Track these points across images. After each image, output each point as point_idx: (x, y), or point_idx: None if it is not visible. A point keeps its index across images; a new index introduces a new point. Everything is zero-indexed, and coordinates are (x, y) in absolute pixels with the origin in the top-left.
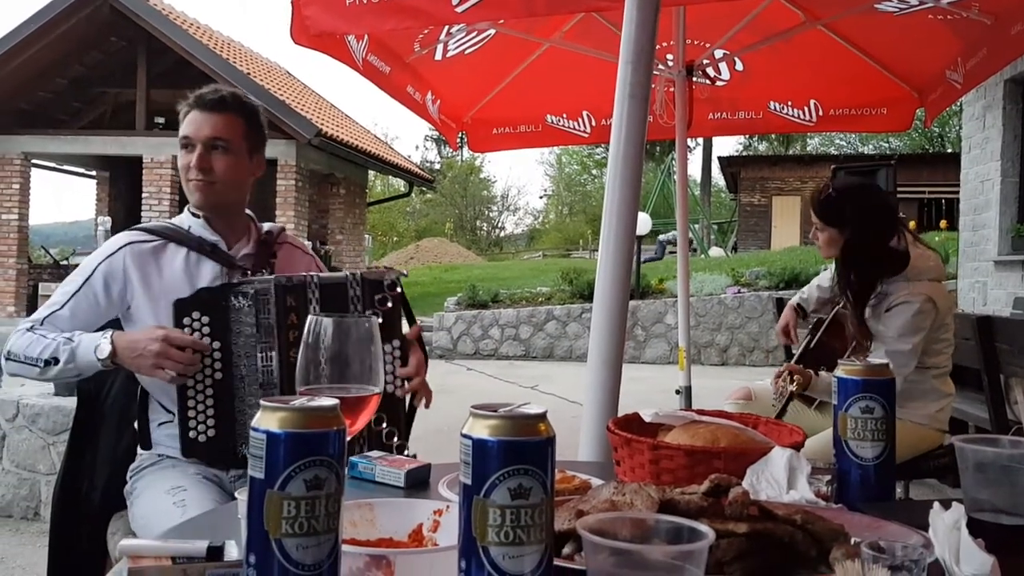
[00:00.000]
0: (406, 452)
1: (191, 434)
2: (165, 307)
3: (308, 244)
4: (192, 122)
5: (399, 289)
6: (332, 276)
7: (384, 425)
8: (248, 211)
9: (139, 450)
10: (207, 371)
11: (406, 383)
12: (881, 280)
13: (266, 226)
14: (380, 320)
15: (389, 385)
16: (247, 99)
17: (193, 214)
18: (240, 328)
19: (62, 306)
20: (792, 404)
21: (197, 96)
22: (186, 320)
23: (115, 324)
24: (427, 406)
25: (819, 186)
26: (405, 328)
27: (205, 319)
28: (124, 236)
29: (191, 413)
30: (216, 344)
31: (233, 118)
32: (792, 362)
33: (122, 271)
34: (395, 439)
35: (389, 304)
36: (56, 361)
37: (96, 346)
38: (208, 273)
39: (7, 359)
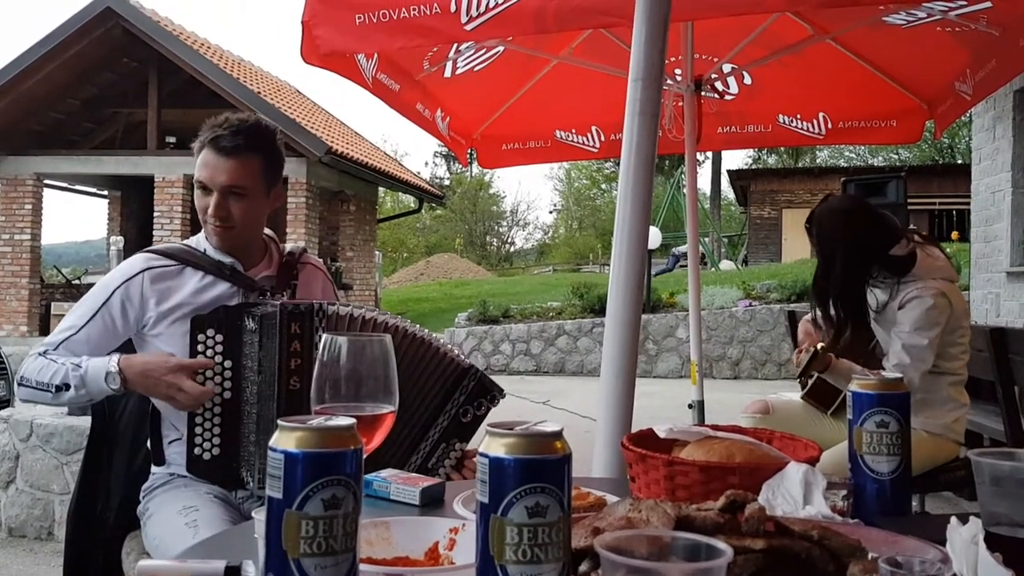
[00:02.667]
0: None
1: (196, 451)
2: (180, 330)
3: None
4: (207, 166)
5: (496, 404)
6: (459, 362)
7: None
8: (268, 231)
9: (152, 468)
10: (216, 388)
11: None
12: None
13: (288, 247)
14: (467, 420)
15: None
16: (262, 128)
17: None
18: (250, 350)
19: (78, 330)
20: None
21: (213, 138)
22: (201, 337)
23: (126, 345)
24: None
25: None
26: None
27: (219, 337)
28: (142, 259)
29: (198, 430)
30: (228, 363)
31: (250, 160)
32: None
33: (140, 295)
34: None
35: (482, 410)
36: (67, 387)
37: (106, 373)
38: (223, 295)
39: (20, 384)
